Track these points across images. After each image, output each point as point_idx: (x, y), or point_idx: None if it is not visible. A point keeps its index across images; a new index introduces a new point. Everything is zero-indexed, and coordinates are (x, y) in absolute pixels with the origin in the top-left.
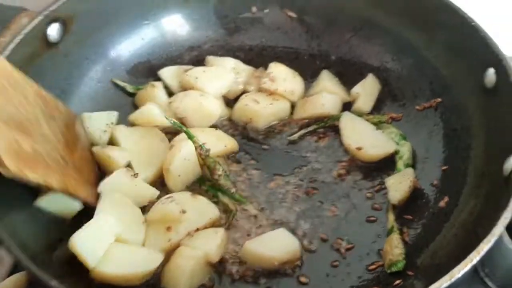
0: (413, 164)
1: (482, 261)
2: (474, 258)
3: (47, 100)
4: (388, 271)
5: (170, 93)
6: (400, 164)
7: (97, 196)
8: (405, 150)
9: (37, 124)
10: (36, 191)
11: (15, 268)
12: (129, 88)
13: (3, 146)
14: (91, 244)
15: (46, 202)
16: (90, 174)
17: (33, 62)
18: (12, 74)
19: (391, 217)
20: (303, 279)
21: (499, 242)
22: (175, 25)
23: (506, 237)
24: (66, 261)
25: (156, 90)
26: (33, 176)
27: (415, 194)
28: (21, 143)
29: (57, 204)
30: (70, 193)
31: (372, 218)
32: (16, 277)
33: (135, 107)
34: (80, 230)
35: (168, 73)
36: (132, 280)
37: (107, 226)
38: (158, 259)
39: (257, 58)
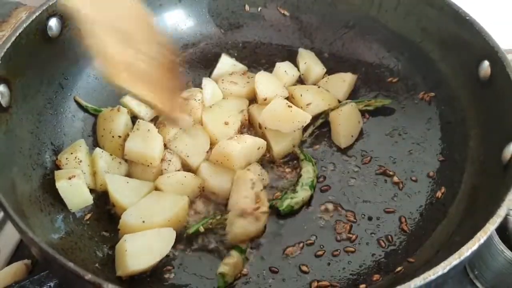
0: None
1: (472, 262)
2: (481, 237)
3: (149, 22)
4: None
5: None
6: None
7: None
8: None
9: (139, 40)
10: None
11: (14, 257)
12: (90, 109)
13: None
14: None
15: (63, 187)
16: (178, 98)
17: (32, 56)
18: None
19: None
20: (304, 268)
21: (489, 242)
22: (170, 23)
23: (496, 238)
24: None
25: (119, 115)
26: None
27: (412, 185)
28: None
29: (73, 192)
30: (158, 107)
31: None
32: (15, 266)
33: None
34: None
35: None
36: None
37: None
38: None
39: (250, 56)
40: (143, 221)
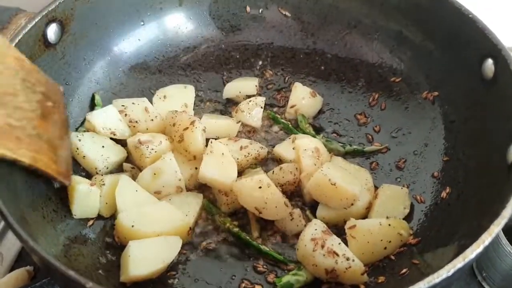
0: None
1: (480, 264)
2: (486, 239)
3: (28, 69)
4: None
5: None
6: None
7: (70, 174)
8: None
9: (14, 94)
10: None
11: (16, 263)
12: None
13: None
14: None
15: (82, 191)
16: (64, 150)
17: (32, 62)
18: None
19: None
20: None
21: (497, 244)
22: (171, 26)
23: (504, 240)
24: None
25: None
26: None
27: (417, 186)
28: None
29: (88, 198)
30: (40, 169)
31: None
32: (17, 272)
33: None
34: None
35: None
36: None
37: None
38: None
39: (252, 58)
40: (139, 228)
